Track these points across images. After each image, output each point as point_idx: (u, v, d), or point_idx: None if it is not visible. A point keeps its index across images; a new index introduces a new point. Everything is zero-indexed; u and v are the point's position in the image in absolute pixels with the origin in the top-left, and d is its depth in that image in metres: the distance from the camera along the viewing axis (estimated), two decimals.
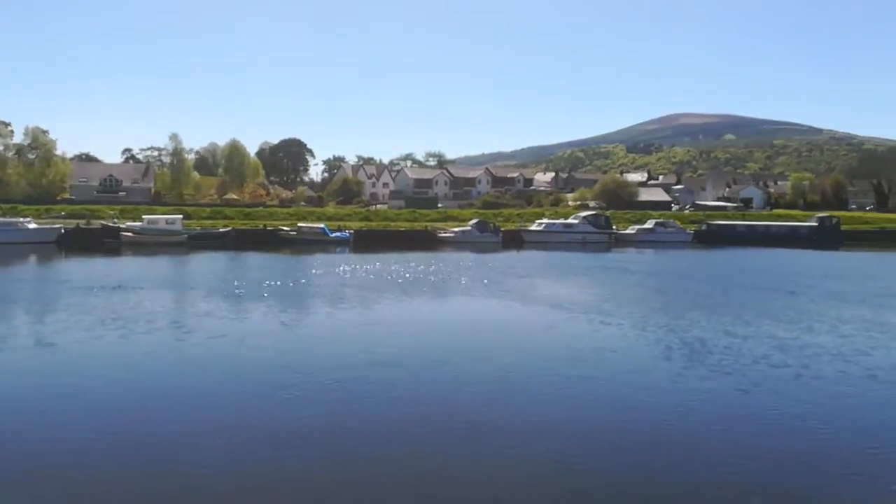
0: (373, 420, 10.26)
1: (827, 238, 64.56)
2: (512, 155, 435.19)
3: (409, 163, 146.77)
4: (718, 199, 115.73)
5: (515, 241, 57.07)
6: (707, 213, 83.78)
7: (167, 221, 51.73)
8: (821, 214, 75.86)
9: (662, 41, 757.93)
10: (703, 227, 67.59)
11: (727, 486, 8.12)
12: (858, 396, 11.85)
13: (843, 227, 70.32)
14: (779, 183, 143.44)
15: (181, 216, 54.59)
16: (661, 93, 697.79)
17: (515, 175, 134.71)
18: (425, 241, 54.48)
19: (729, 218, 77.36)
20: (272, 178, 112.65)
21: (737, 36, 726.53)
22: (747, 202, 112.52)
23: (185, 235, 50.93)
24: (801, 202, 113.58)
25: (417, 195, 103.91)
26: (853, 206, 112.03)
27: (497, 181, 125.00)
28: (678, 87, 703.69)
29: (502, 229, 59.77)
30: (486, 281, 29.47)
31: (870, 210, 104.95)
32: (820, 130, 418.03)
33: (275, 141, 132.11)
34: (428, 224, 63.07)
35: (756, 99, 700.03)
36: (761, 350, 15.33)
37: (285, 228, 54.77)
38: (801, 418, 10.52)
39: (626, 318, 19.82)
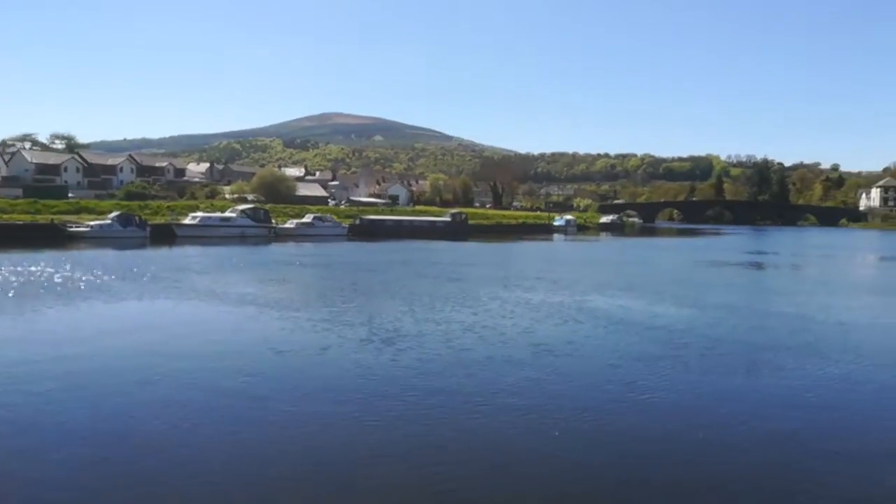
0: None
1: (459, 231, 74.77)
2: (160, 143, 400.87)
3: (27, 144, 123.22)
4: (370, 196, 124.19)
5: (166, 236, 52.46)
6: (360, 208, 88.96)
7: None
8: (453, 211, 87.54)
9: (320, 42, 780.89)
10: (357, 221, 71.42)
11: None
12: (532, 363, 13.82)
13: (470, 222, 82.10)
14: (420, 182, 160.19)
15: None
16: (317, 92, 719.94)
17: (165, 164, 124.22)
18: (51, 238, 46.41)
19: (379, 213, 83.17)
20: None
21: (384, 45, 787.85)
22: (395, 199, 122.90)
23: None
24: (438, 199, 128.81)
25: (41, 183, 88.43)
26: (477, 204, 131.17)
27: (143, 170, 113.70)
28: (334, 88, 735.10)
29: (150, 223, 54.48)
30: (146, 279, 26.45)
31: (489, 207, 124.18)
32: (451, 137, 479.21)
33: None
34: (55, 217, 53.91)
35: (401, 106, 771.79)
36: (456, 330, 16.80)
37: None
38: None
39: (321, 311, 19.85)
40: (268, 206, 71.75)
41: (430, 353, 14.41)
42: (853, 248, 70.26)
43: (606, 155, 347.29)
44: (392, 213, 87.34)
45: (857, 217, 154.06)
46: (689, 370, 13.42)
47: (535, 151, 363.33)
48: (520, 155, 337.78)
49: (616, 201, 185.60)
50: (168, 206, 68.54)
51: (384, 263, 37.18)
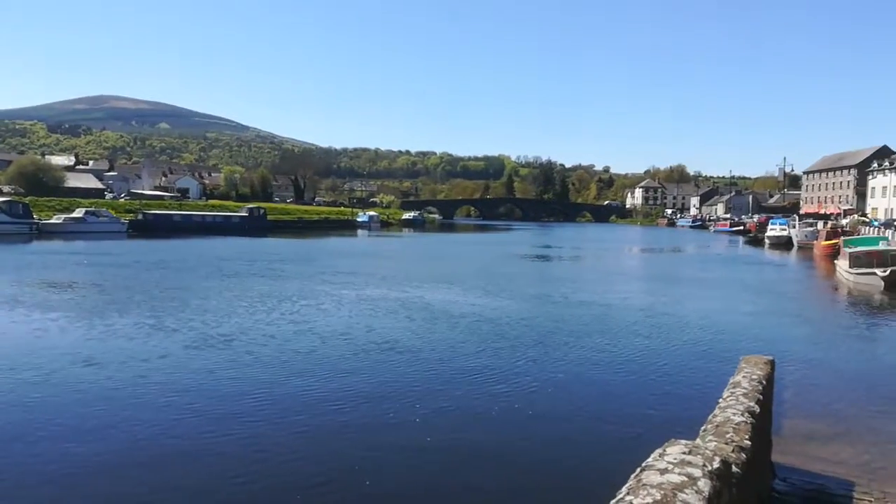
0: None
1: (257, 227, 71.00)
2: None
3: None
4: (156, 189, 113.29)
5: None
6: (144, 202, 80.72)
7: None
8: (250, 206, 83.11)
9: (93, 15, 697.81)
10: (140, 216, 64.86)
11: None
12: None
13: (269, 218, 78.43)
14: (213, 175, 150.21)
15: None
16: (90, 71, 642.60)
17: None
18: None
19: (166, 207, 76.39)
20: None
21: (170, 23, 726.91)
22: (184, 192, 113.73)
23: None
24: (233, 193, 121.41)
25: None
26: (277, 199, 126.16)
27: None
28: (110, 67, 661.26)
29: None
30: None
31: (290, 202, 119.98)
32: (247, 128, 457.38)
33: None
34: None
35: (190, 91, 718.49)
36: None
37: None
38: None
39: (128, 315, 16.89)
40: (28, 199, 62.34)
41: (232, 357, 12.72)
42: (621, 241, 78.77)
43: (408, 152, 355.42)
44: (181, 207, 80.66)
45: (624, 214, 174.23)
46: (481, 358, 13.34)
47: (338, 146, 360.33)
48: (322, 149, 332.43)
49: (418, 198, 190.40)
50: None
51: (162, 263, 33.56)
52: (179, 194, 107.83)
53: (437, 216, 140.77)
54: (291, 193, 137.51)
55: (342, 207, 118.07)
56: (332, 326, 16.97)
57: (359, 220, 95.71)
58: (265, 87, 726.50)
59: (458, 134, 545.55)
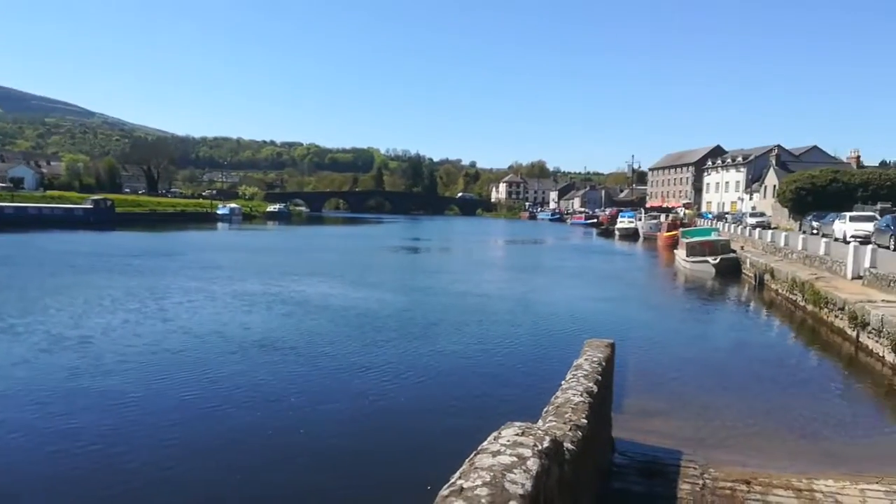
0: None
1: (103, 220, 65.50)
2: None
3: None
4: None
5: None
6: None
7: None
8: (95, 197, 76.40)
9: None
10: None
11: None
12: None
13: (118, 210, 72.66)
14: (52, 163, 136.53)
15: None
16: None
17: None
18: None
19: None
20: None
21: None
22: (18, 182, 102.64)
23: None
24: (76, 184, 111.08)
25: None
26: (127, 190, 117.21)
27: None
28: None
29: None
30: None
31: (142, 194, 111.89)
32: (93, 113, 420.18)
33: None
34: None
35: (25, 71, 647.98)
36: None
37: None
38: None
39: None
40: None
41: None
42: (487, 233, 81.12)
43: (273, 143, 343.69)
44: (14, 198, 72.60)
45: (489, 208, 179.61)
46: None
47: (196, 134, 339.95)
48: (178, 137, 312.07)
49: (284, 190, 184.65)
50: None
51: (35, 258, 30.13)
52: (12, 184, 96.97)
53: (304, 209, 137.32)
54: (144, 185, 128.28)
55: (201, 200, 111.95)
56: (196, 324, 16.20)
57: (219, 212, 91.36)
58: (113, 70, 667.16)
59: (326, 125, 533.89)
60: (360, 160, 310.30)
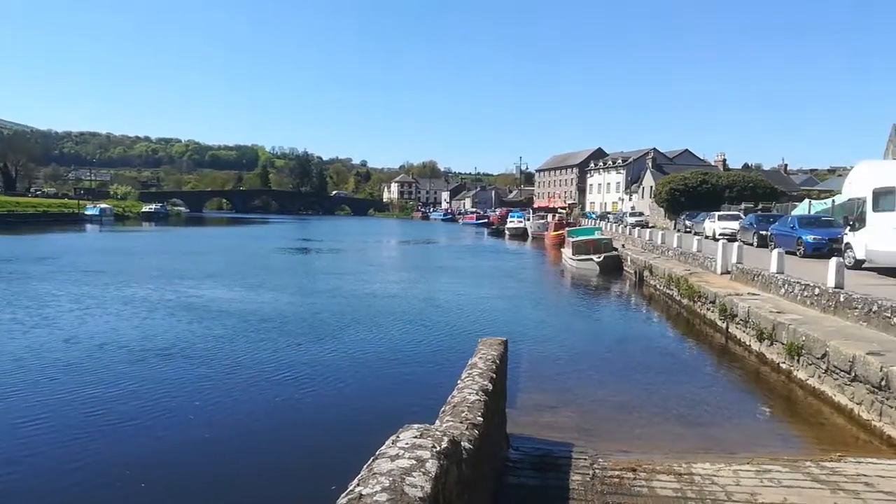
0: None
1: None
2: None
3: None
4: None
5: None
6: None
7: None
8: None
9: None
10: None
11: None
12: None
13: None
14: None
15: None
16: None
17: None
18: None
19: None
20: None
21: None
22: None
23: None
24: None
25: None
26: None
27: None
28: None
29: None
30: None
31: None
32: None
33: None
34: None
35: None
36: None
37: None
38: None
39: None
40: None
41: None
42: (379, 233, 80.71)
43: (147, 139, 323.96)
44: None
45: (381, 208, 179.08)
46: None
47: (60, 129, 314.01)
48: (39, 132, 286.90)
49: (160, 189, 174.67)
50: None
51: None
52: None
53: (183, 209, 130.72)
54: (1, 183, 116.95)
55: (66, 199, 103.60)
56: (86, 334, 15.13)
57: (87, 213, 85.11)
58: None
59: (206, 121, 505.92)
60: (245, 158, 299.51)
